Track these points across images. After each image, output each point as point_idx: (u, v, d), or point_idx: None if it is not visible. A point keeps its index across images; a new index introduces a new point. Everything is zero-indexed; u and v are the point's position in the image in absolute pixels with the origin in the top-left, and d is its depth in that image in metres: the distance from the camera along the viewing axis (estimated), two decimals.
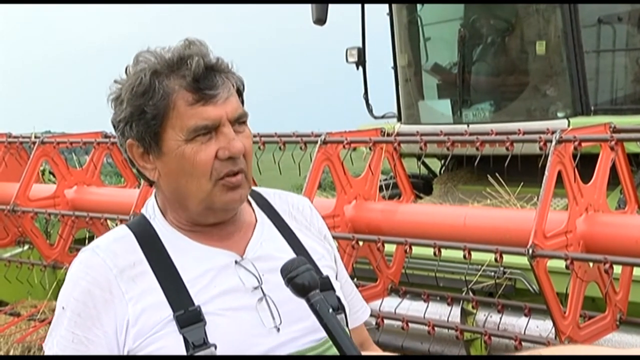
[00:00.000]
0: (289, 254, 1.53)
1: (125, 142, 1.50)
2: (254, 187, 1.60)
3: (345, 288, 1.67)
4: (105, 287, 1.43)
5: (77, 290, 1.45)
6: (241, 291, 1.47)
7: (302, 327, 1.46)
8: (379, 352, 1.71)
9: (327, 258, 1.62)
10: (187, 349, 1.39)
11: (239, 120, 1.48)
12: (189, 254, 1.49)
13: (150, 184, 1.55)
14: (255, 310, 1.46)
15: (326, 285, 1.52)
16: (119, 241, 1.50)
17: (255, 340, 1.44)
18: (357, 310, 1.71)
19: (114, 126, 1.51)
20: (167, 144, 1.45)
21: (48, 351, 1.45)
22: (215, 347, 1.40)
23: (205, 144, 1.44)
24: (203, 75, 1.44)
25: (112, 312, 1.42)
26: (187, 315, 1.41)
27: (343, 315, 1.53)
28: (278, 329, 1.46)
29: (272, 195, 1.66)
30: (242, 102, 1.51)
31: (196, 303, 1.43)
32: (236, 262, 1.50)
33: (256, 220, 1.58)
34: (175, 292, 1.43)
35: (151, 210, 1.55)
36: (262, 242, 1.55)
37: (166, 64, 1.45)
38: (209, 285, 1.46)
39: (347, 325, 1.54)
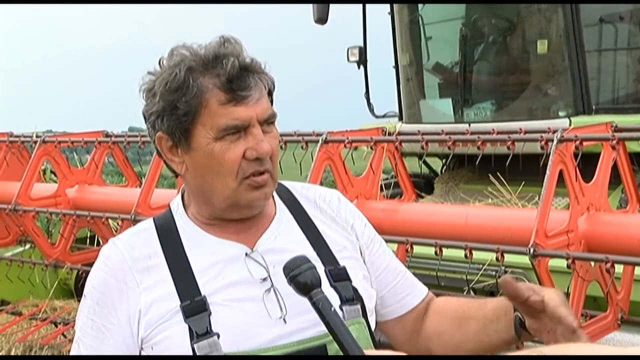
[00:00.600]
0: (305, 247, 1.55)
1: (155, 135, 1.53)
2: (281, 181, 1.62)
3: (387, 275, 1.68)
4: (120, 278, 1.49)
5: (96, 280, 1.52)
6: (249, 283, 1.49)
7: (309, 318, 1.46)
8: (440, 309, 1.70)
9: (350, 249, 1.62)
10: (191, 338, 1.43)
11: (268, 121, 1.50)
12: (202, 247, 1.52)
13: (177, 176, 1.59)
14: (262, 301, 1.48)
15: (341, 276, 1.54)
16: (139, 234, 1.56)
17: (260, 330, 1.46)
18: (405, 296, 1.69)
19: (145, 118, 1.53)
20: (196, 140, 1.48)
21: (76, 335, 1.53)
22: (219, 336, 1.42)
23: (234, 143, 1.47)
24: (237, 76, 1.45)
25: (125, 302, 1.47)
26: (193, 305, 1.45)
27: (359, 305, 1.53)
28: (285, 320, 1.48)
29: (298, 188, 1.68)
30: (272, 102, 1.53)
31: (203, 293, 1.46)
32: (246, 254, 1.52)
33: (275, 214, 1.59)
34: (184, 283, 1.47)
35: (175, 204, 1.59)
36: (276, 235, 1.56)
37: (201, 62, 1.46)
38: (217, 277, 1.49)
39: (365, 315, 1.54)
